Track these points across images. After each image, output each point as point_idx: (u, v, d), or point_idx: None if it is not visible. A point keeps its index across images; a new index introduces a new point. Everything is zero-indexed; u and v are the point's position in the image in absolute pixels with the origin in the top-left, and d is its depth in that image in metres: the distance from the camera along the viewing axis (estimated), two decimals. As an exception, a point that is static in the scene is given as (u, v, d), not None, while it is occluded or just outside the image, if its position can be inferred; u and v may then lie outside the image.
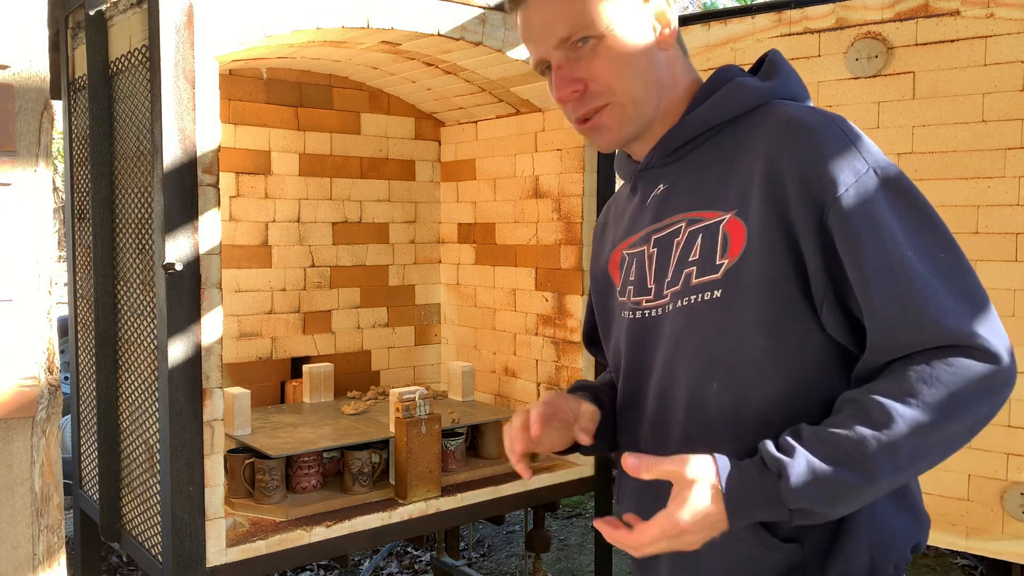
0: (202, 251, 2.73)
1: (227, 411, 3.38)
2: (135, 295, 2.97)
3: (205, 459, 2.77)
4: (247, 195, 3.95)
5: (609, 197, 3.93)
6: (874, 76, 3.02)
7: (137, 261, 2.95)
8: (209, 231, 2.74)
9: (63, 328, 4.94)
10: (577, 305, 3.78)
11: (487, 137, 4.28)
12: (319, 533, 3.03)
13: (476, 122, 4.32)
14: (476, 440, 3.74)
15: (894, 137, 2.98)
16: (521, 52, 3.43)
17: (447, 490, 3.41)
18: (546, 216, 3.93)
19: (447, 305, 4.58)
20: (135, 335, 2.99)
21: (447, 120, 4.49)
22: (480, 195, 4.33)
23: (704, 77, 1.65)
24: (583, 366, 3.77)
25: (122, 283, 3.09)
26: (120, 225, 3.08)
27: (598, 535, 3.87)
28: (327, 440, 3.31)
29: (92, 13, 3.02)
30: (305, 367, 3.99)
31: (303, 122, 4.09)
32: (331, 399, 4.02)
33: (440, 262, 4.60)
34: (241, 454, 3.23)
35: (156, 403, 2.79)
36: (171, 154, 2.65)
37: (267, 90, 3.97)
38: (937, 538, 2.96)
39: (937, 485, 2.94)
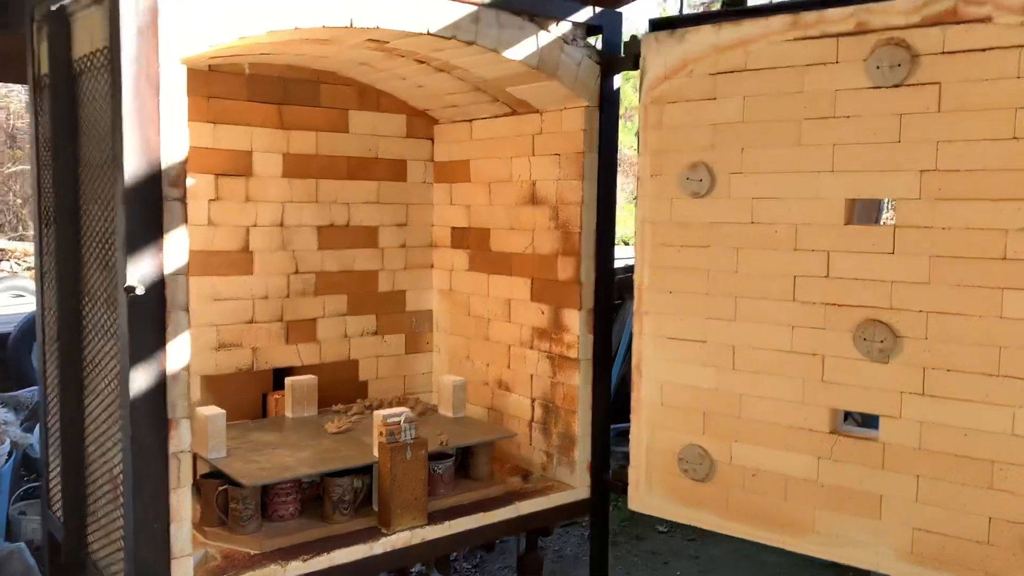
0: (167, 272, 2.53)
1: (200, 432, 3.19)
2: (100, 313, 2.77)
3: (171, 494, 2.58)
4: (227, 198, 3.74)
5: (610, 207, 3.74)
6: (896, 86, 2.80)
7: (102, 278, 2.75)
8: (175, 250, 2.54)
9: (30, 329, 4.70)
10: (574, 320, 3.58)
11: (483, 137, 4.06)
12: (295, 568, 2.85)
13: (471, 121, 4.10)
14: (467, 460, 3.55)
15: (916, 153, 2.77)
16: (517, 52, 3.21)
17: (434, 517, 3.22)
18: (543, 224, 3.72)
19: (440, 312, 4.38)
20: (101, 355, 2.79)
21: (441, 118, 4.27)
22: (474, 198, 4.11)
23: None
24: (579, 383, 3.57)
25: (88, 299, 2.89)
26: (86, 237, 2.88)
27: (594, 545, 3.70)
28: (306, 465, 3.12)
29: (54, 8, 2.80)
30: (287, 380, 3.80)
31: (287, 120, 3.87)
32: (315, 413, 3.83)
33: (432, 267, 4.39)
34: (215, 480, 3.05)
35: (120, 431, 2.60)
36: (133, 166, 2.44)
37: (249, 87, 3.75)
38: (953, 583, 2.78)
39: (954, 527, 2.76)
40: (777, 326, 3.08)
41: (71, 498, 2.94)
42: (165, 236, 2.51)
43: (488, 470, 3.56)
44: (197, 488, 3.11)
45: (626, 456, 3.47)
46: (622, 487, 3.53)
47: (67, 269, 2.91)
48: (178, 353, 2.56)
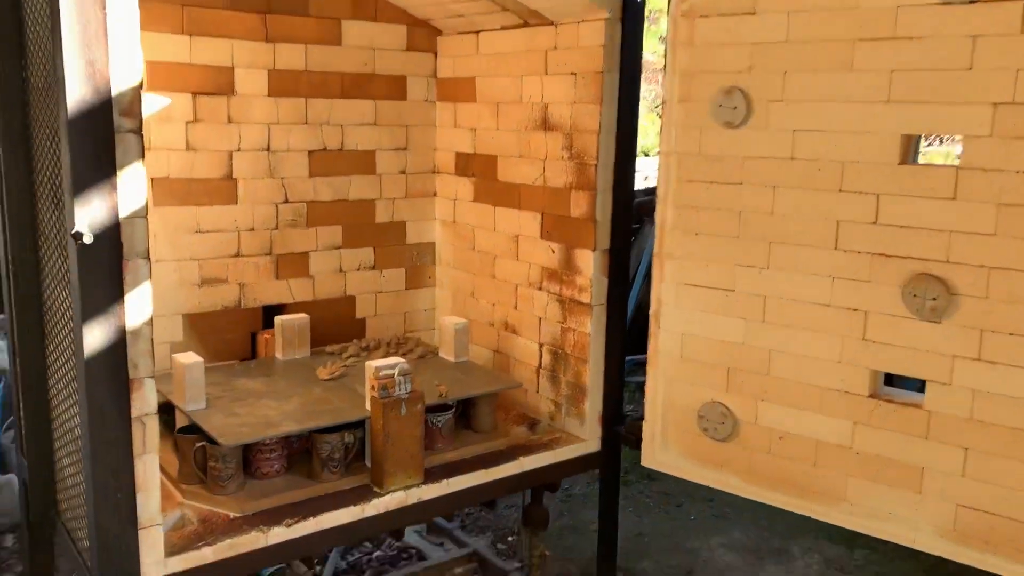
0: (123, 214, 2.21)
1: (178, 382, 2.93)
2: (55, 258, 2.47)
3: (136, 460, 2.33)
4: (207, 120, 3.38)
5: (631, 136, 3.37)
6: (971, 1, 2.38)
7: (54, 218, 2.43)
8: (131, 190, 2.21)
9: None
10: (588, 261, 3.25)
11: (490, 52, 3.65)
12: (278, 534, 2.63)
13: (478, 33, 3.69)
14: (468, 411, 3.29)
15: (990, 82, 2.37)
16: (529, -43, 2.79)
17: (431, 474, 2.98)
18: (555, 153, 3.35)
19: (443, 245, 4.06)
20: (60, 303, 2.51)
21: (445, 29, 3.85)
22: (480, 121, 3.73)
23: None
24: (591, 331, 3.28)
25: (44, 240, 2.59)
26: (39, 171, 2.56)
27: (604, 486, 3.47)
28: (292, 420, 2.87)
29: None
30: (277, 320, 3.52)
31: (273, 32, 3.47)
32: (307, 355, 3.56)
33: (435, 195, 4.05)
34: (192, 436, 2.80)
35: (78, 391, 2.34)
36: (77, 94, 2.09)
37: (229, -7, 3.35)
38: (1000, 565, 2.52)
39: (1005, 506, 2.48)
40: (815, 277, 2.75)
41: (35, 455, 2.71)
42: (118, 174, 2.18)
43: (491, 421, 3.31)
44: (175, 442, 2.87)
45: (641, 387, 3.18)
46: (635, 441, 3.27)
47: (17, 207, 2.59)
48: (138, 306, 2.26)
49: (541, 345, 3.52)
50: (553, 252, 3.41)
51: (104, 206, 2.16)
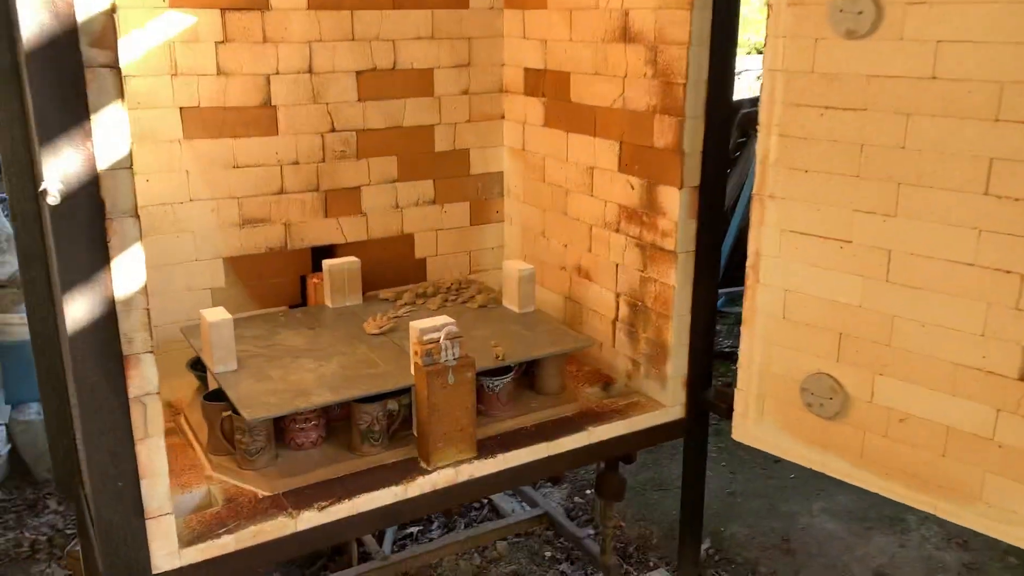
0: (102, 166, 1.86)
1: (205, 341, 2.64)
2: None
3: (138, 445, 2.05)
4: (239, 39, 2.99)
5: (727, 48, 2.80)
6: None
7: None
8: (110, 136, 1.85)
9: None
10: (673, 200, 2.75)
11: (564, -51, 3.10)
12: (308, 519, 2.33)
13: (550, -73, 3.13)
14: (532, 370, 2.90)
15: None
16: None
17: (486, 447, 2.63)
18: (637, 70, 2.82)
19: (511, 175, 3.61)
20: (60, 259, 2.21)
21: (512, -77, 3.31)
22: (551, 31, 3.21)
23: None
24: (676, 283, 2.80)
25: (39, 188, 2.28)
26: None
27: (688, 458, 3.07)
28: (327, 388, 2.54)
29: None
30: (325, 265, 3.18)
31: (311, -66, 3.02)
32: (359, 301, 3.22)
33: (503, 118, 3.58)
34: (219, 404, 2.51)
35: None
36: (34, 20, 1.72)
37: None
38: None
39: None
40: (957, 228, 2.19)
41: (54, 422, 2.48)
42: (93, 117, 1.82)
43: (558, 382, 2.91)
44: (203, 411, 2.60)
45: (740, 320, 2.70)
46: (726, 410, 2.83)
47: (14, 149, 2.29)
48: (129, 272, 1.94)
49: (618, 295, 3.07)
50: (632, 188, 2.92)
51: (77, 157, 1.81)
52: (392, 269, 3.47)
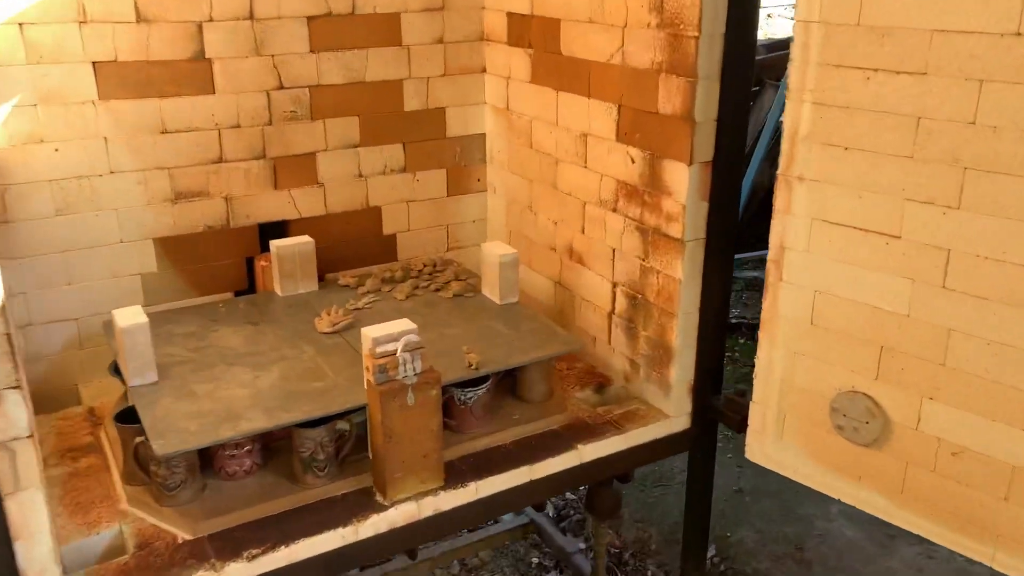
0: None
1: (119, 349, 2.21)
2: None
3: (7, 500, 1.64)
4: (163, -21, 2.50)
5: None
6: None
7: None
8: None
9: None
10: (681, 178, 2.29)
11: None
12: (236, 572, 1.94)
13: None
14: (514, 373, 2.48)
15: None
16: None
17: (456, 472, 2.22)
18: (639, 18, 2.33)
19: (494, 138, 3.13)
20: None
21: None
22: (540, -30, 2.71)
23: None
24: (682, 275, 2.36)
25: None
26: None
27: (692, 472, 2.68)
28: (261, 409, 2.11)
29: None
30: (272, 246, 2.73)
31: None
32: (314, 288, 2.78)
33: (484, 71, 3.08)
34: (134, 425, 2.10)
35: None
36: None
37: None
38: None
39: None
40: (1039, 227, 1.74)
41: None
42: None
43: (544, 388, 2.49)
44: (116, 430, 2.19)
45: (750, 285, 2.28)
46: (738, 423, 2.42)
47: None
48: (-23, 291, 1.49)
49: (615, 285, 2.62)
50: (633, 162, 2.45)
51: None
52: (356, 248, 3.02)
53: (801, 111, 2.04)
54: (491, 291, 2.71)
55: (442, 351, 2.35)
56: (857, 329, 2.06)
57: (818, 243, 2.08)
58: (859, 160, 1.96)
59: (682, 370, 2.46)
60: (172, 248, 2.72)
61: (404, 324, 2.10)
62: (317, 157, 2.87)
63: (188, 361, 2.32)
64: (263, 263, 2.83)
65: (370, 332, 2.06)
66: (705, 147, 2.26)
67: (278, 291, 2.75)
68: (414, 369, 2.06)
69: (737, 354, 4.67)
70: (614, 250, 2.60)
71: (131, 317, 2.18)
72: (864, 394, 2.08)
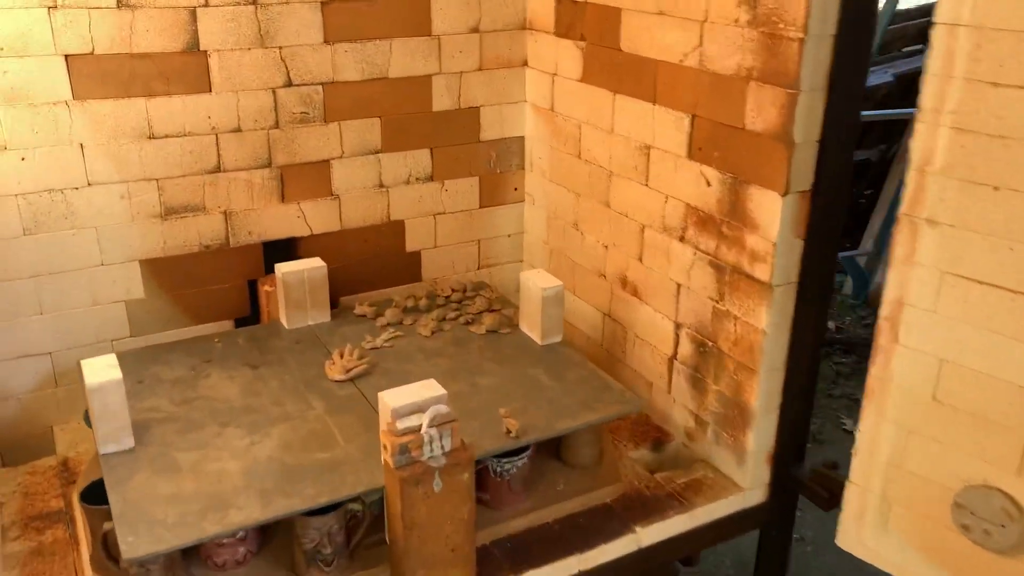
0: None
1: (90, 408, 1.84)
2: None
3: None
4: (148, -44, 2.09)
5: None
6: None
7: None
8: None
9: None
10: (772, 209, 1.88)
11: None
12: None
13: None
14: (558, 438, 2.09)
15: None
16: None
17: (489, 560, 1.85)
18: (725, 12, 1.91)
19: (536, 142, 2.72)
20: None
21: None
22: (597, -51, 2.28)
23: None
24: (768, 327, 1.95)
25: None
26: None
27: (763, 553, 2.30)
28: (256, 492, 1.73)
29: None
30: (277, 270, 2.34)
31: None
32: (326, 318, 2.40)
33: (526, 66, 2.67)
34: (102, 507, 1.73)
35: None
36: None
37: None
38: None
39: None
40: None
41: None
42: None
43: (593, 452, 2.10)
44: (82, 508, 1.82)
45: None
46: (826, 501, 2.02)
47: None
48: None
49: (678, 326, 2.22)
50: (709, 185, 2.04)
51: None
52: (375, 268, 2.63)
53: (936, 138, 1.61)
54: (531, 327, 2.31)
55: (474, 410, 1.97)
56: (995, 410, 1.65)
57: (949, 302, 1.67)
58: (1014, 203, 1.54)
59: (761, 436, 2.06)
60: (162, 271, 2.34)
61: (430, 388, 1.72)
62: (331, 165, 2.47)
63: (173, 419, 1.95)
64: (267, 288, 2.44)
65: (389, 399, 1.68)
66: (803, 173, 1.84)
67: (284, 322, 2.37)
68: (442, 447, 1.68)
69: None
70: (679, 286, 2.19)
71: (102, 371, 1.80)
72: (1000, 491, 1.68)
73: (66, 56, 2.07)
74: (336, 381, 2.11)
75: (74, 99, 2.10)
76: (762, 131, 1.86)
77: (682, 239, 2.15)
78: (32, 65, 2.04)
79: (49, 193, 2.14)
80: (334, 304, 2.53)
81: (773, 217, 1.87)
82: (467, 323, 2.40)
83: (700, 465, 2.19)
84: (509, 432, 1.90)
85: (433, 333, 2.34)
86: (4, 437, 2.26)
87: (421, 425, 1.65)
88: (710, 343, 2.12)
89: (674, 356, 2.26)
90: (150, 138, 2.22)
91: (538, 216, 2.77)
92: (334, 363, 2.16)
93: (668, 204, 2.18)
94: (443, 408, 1.68)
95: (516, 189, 2.79)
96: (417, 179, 2.61)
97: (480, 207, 2.75)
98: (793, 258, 1.91)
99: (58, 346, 2.27)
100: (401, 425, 1.65)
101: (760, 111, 1.86)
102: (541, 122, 2.65)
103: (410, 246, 2.68)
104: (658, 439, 2.30)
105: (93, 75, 2.11)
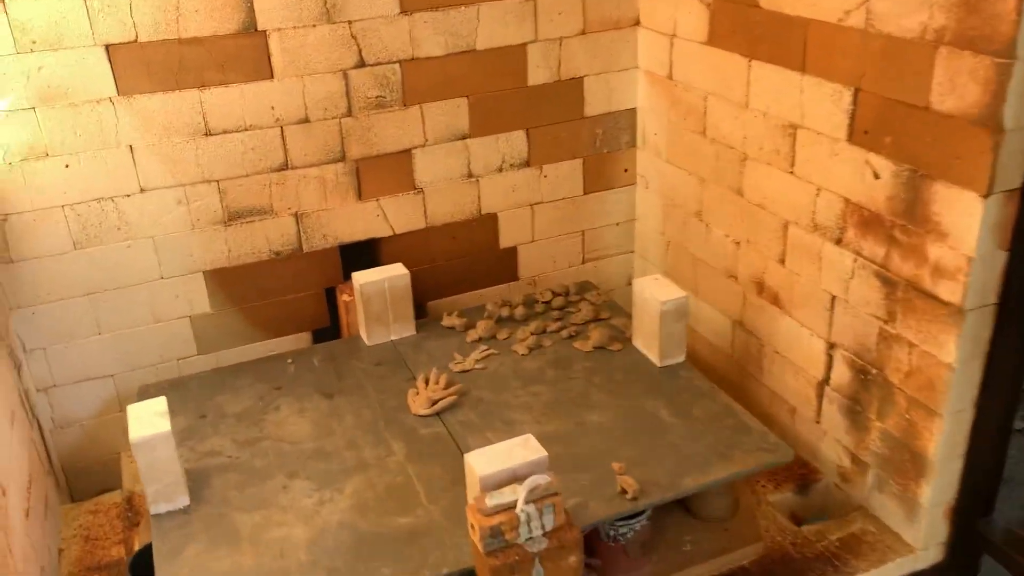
0: None
1: (131, 465, 1.60)
2: None
3: None
4: (192, -78, 1.79)
5: None
6: None
7: None
8: None
9: None
10: (968, 212, 1.44)
11: None
12: None
13: None
14: (683, 478, 1.74)
15: None
16: None
17: (605, 645, 1.53)
18: (901, -46, 1.46)
19: (649, 115, 2.32)
20: None
21: None
22: None
23: None
24: (957, 359, 1.53)
25: None
26: None
27: None
28: (324, 571, 1.46)
29: None
30: (356, 281, 2.05)
31: None
32: (411, 331, 2.11)
33: (638, 25, 2.26)
34: (151, 580, 1.50)
35: None
36: None
37: None
38: None
39: None
40: None
41: None
42: None
43: (726, 502, 1.75)
44: (133, 576, 1.60)
45: None
46: (1020, 567, 1.61)
47: None
48: None
49: (831, 346, 1.82)
50: (877, 177, 1.61)
51: None
52: (466, 268, 2.31)
53: None
54: (647, 345, 1.95)
55: (581, 459, 1.64)
56: None
57: None
58: None
59: (940, 488, 1.66)
60: (228, 282, 2.08)
61: (527, 449, 1.40)
62: (413, 155, 2.15)
63: (235, 467, 1.69)
64: (346, 297, 2.16)
65: (477, 465, 1.36)
66: (1013, 168, 1.40)
67: (364, 338, 2.09)
68: (542, 526, 1.36)
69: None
70: (834, 298, 1.78)
71: (149, 422, 1.55)
72: None
73: (107, 46, 1.80)
74: (420, 416, 1.82)
75: (119, 95, 1.84)
76: (956, 112, 1.42)
77: (839, 242, 1.73)
78: (70, 58, 1.78)
79: (99, 202, 1.91)
80: (421, 311, 2.24)
81: (969, 223, 1.44)
82: (570, 337, 2.05)
83: (858, 516, 1.80)
84: (625, 493, 1.56)
85: (531, 351, 2.01)
86: (69, 466, 2.07)
87: (516, 501, 1.34)
88: (874, 371, 1.71)
89: (825, 381, 1.86)
90: (206, 135, 1.94)
91: (653, 202, 2.38)
92: (418, 393, 1.86)
93: (821, 198, 1.76)
94: (543, 479, 1.35)
95: (626, 170, 2.41)
96: (511, 165, 2.26)
97: (584, 193, 2.38)
98: (993, 275, 1.48)
99: (120, 368, 2.06)
100: (492, 501, 1.33)
101: (954, 86, 1.41)
102: (656, 92, 2.25)
103: (504, 242, 2.34)
104: (804, 478, 1.92)
105: (138, 66, 1.83)
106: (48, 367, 1.99)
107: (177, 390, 1.94)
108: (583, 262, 2.46)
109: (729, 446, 1.67)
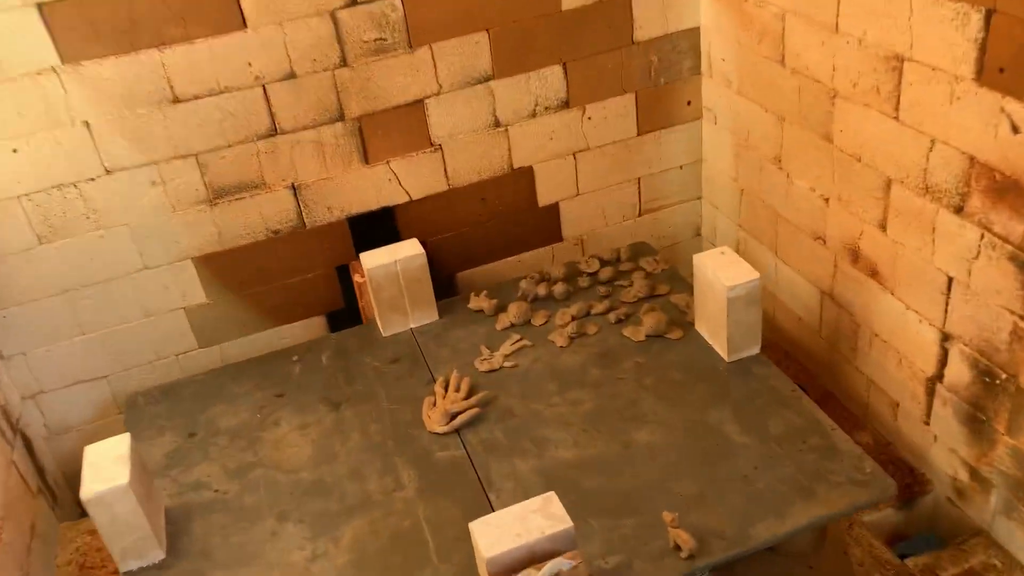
0: None
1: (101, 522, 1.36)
2: None
3: None
4: None
5: None
6: None
7: None
8: None
9: None
10: None
11: None
12: None
13: None
14: (756, 504, 1.41)
15: None
16: None
17: None
18: None
19: (716, 36, 1.89)
20: None
21: None
22: None
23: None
24: None
25: None
26: None
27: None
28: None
29: None
30: (365, 263, 1.74)
31: None
32: (433, 317, 1.80)
33: (696, -77, 1.81)
34: (120, 656, 1.28)
35: None
36: None
37: None
38: None
39: None
40: None
41: None
42: None
43: (810, 535, 1.42)
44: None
45: None
46: None
47: None
48: None
49: (947, 337, 1.43)
50: (1016, 132, 1.19)
51: None
52: (499, 233, 1.98)
53: None
54: (712, 333, 1.60)
55: (626, 498, 1.34)
56: None
57: None
58: None
59: (1092, 527, 1.29)
60: (223, 267, 1.81)
61: (547, 516, 1.10)
62: (426, 106, 1.79)
63: (221, 505, 1.45)
64: (359, 277, 1.87)
65: (483, 543, 1.07)
66: None
67: (380, 328, 1.80)
68: (571, 618, 1.07)
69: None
70: (951, 280, 1.39)
71: (106, 472, 1.30)
72: None
73: (39, 4, 1.49)
74: (436, 433, 1.53)
75: (63, 63, 1.54)
76: None
77: (959, 211, 1.33)
78: (-2, 24, 1.48)
79: (59, 189, 1.64)
80: (450, 285, 1.94)
81: None
82: (619, 321, 1.71)
83: (979, 544, 1.46)
84: (679, 549, 1.25)
85: (571, 340, 1.69)
86: (70, 472, 1.89)
87: (534, 591, 1.05)
88: (1003, 375, 1.33)
89: (937, 377, 1.48)
90: (174, 102, 1.63)
91: (722, 140, 1.97)
92: (435, 404, 1.57)
93: (936, 153, 1.34)
94: (567, 565, 1.05)
95: (690, 103, 2.00)
96: (546, 109, 1.88)
97: (638, 134, 1.99)
98: None
99: (113, 368, 1.84)
100: (503, 592, 1.05)
101: None
102: (723, 8, 1.81)
103: (543, 199, 1.98)
104: (909, 488, 1.57)
105: (80, 27, 1.52)
106: (31, 372, 1.78)
107: (169, 399, 1.71)
108: (639, 214, 2.09)
109: (814, 477, 1.33)
